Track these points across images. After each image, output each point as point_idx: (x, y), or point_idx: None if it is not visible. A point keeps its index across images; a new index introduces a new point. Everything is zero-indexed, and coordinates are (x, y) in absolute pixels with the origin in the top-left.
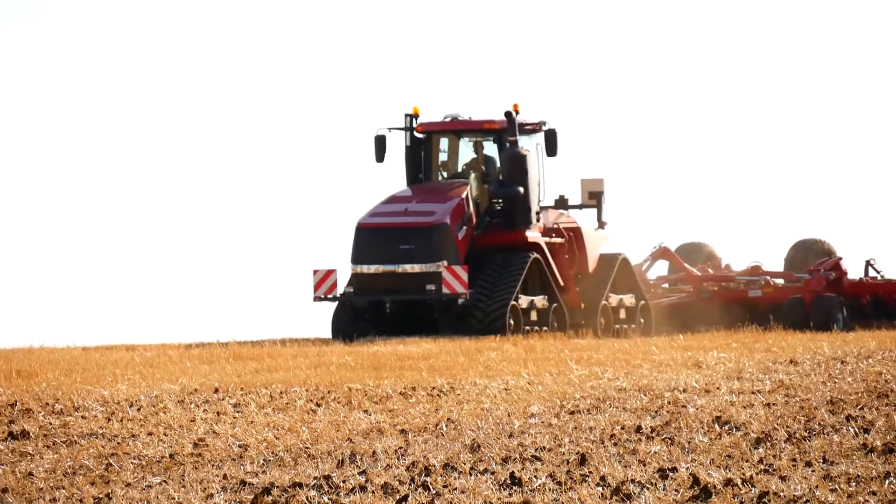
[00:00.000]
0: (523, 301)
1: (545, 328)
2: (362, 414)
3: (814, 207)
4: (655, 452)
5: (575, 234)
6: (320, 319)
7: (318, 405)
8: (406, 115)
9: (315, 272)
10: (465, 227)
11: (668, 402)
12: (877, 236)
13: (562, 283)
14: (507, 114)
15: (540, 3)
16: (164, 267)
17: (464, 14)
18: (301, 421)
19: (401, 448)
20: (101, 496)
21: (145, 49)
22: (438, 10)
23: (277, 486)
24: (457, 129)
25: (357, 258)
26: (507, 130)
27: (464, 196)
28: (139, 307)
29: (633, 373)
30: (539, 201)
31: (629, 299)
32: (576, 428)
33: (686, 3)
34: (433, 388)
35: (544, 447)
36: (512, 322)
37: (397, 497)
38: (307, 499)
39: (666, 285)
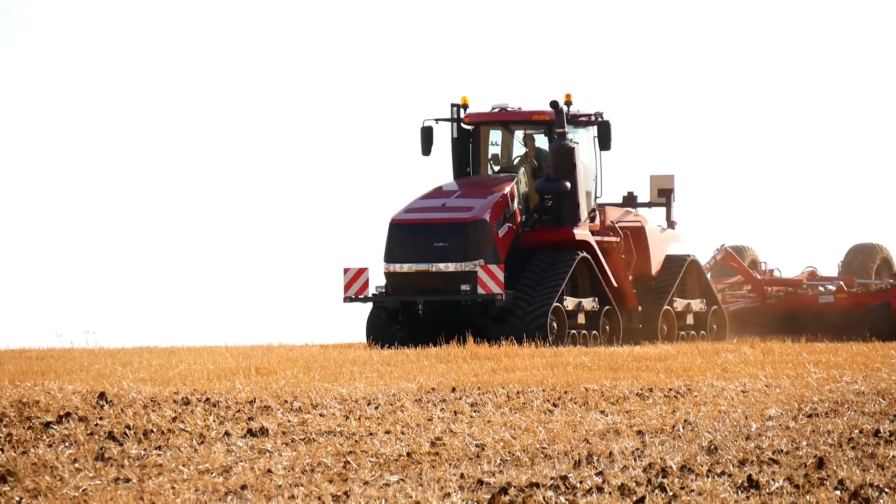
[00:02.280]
0: (569, 303)
1: (595, 332)
2: (599, 415)
3: (862, 212)
4: (894, 457)
5: (635, 234)
6: (353, 320)
7: (555, 405)
8: (452, 106)
9: (346, 271)
10: (507, 224)
11: None
12: None
13: (615, 285)
14: (553, 104)
15: None
16: (189, 266)
17: None
18: (538, 421)
19: (637, 449)
20: (339, 494)
21: (172, 42)
22: None
23: (514, 486)
24: (505, 120)
25: (390, 256)
26: (555, 122)
27: (507, 191)
28: (179, 309)
29: (872, 376)
30: (596, 197)
31: (698, 304)
32: (813, 431)
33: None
34: (670, 390)
35: (782, 450)
36: (555, 325)
37: (634, 498)
38: (544, 499)
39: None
